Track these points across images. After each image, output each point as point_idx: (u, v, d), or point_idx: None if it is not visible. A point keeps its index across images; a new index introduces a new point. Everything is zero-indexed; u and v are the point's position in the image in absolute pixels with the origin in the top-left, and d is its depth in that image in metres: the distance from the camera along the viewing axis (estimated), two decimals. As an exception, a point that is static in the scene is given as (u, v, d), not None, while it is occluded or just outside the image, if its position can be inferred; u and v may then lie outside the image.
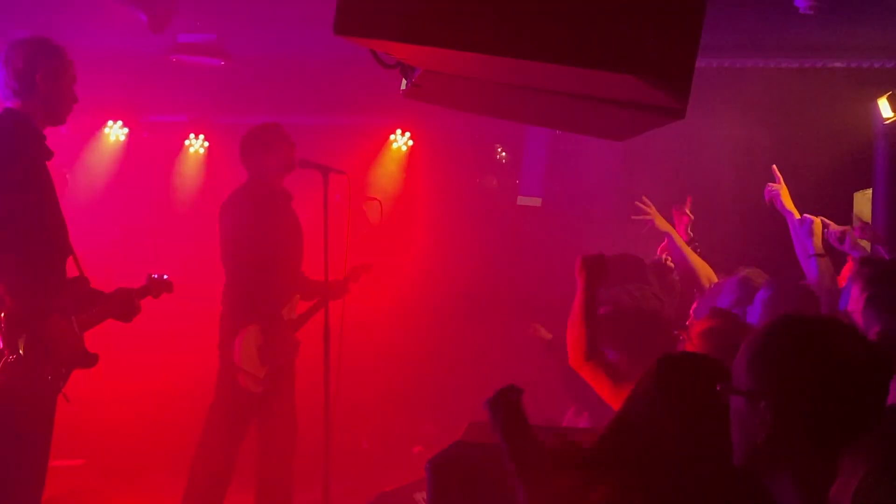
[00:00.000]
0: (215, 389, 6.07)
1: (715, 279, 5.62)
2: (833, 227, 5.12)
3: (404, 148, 8.73)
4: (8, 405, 4.27)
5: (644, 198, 6.04)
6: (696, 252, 5.89)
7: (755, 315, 4.57)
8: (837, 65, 6.97)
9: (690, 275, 5.72)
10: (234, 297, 6.01)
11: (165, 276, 5.26)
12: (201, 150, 8.83)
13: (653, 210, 6.01)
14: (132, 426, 7.42)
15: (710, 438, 2.42)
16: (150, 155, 8.76)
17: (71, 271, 4.66)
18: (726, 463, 2.16)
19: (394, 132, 8.71)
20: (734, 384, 2.09)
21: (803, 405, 1.97)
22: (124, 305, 4.95)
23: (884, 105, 7.13)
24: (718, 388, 2.12)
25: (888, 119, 7.18)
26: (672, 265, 5.68)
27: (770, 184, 5.32)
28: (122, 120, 8.75)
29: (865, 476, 1.74)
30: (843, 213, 7.77)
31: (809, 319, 2.11)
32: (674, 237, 5.84)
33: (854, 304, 3.56)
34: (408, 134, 8.70)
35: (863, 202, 7.75)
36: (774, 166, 5.33)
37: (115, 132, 8.73)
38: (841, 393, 1.96)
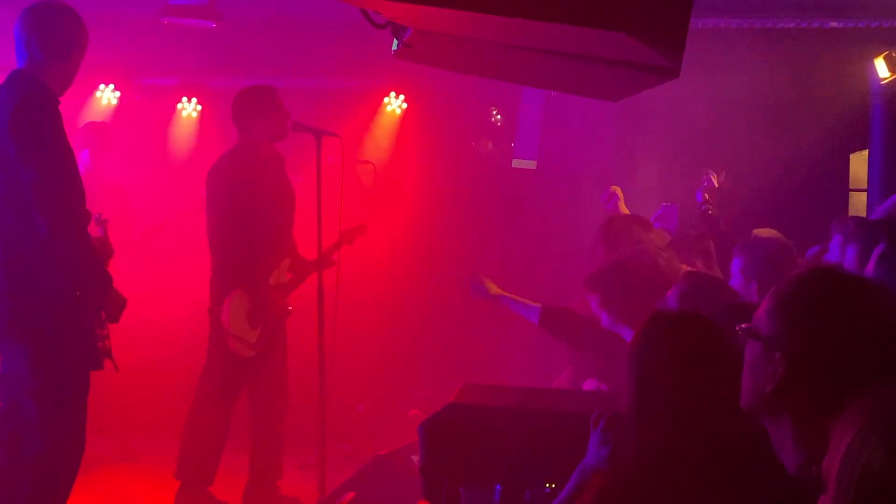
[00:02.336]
0: (207, 354, 6.07)
1: None
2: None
3: (398, 111, 8.68)
4: None
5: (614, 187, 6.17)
6: (709, 214, 5.96)
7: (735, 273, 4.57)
8: (834, 24, 6.93)
9: None
10: (222, 261, 5.99)
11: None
12: (194, 114, 8.78)
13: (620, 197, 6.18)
14: (123, 390, 7.41)
15: (713, 381, 2.43)
16: (143, 118, 8.71)
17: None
18: (733, 405, 2.15)
19: (388, 95, 8.66)
20: (753, 328, 2.06)
21: (821, 362, 1.93)
22: None
23: (880, 65, 7.10)
24: (738, 330, 2.09)
25: (885, 79, 7.14)
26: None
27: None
28: (115, 83, 8.69)
29: (852, 440, 1.73)
30: (839, 174, 7.77)
31: (842, 275, 2.08)
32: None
33: (853, 262, 3.54)
34: (402, 97, 8.65)
35: (859, 164, 7.73)
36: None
37: (107, 95, 8.67)
38: (862, 353, 1.91)
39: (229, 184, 5.95)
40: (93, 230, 4.57)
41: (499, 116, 8.82)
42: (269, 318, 5.99)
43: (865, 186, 7.64)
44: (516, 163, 8.39)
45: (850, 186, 7.79)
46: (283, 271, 6.13)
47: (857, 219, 4.58)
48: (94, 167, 7.32)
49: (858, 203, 7.65)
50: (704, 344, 2.52)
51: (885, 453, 1.52)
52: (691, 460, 2.39)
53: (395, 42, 3.08)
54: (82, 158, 7.24)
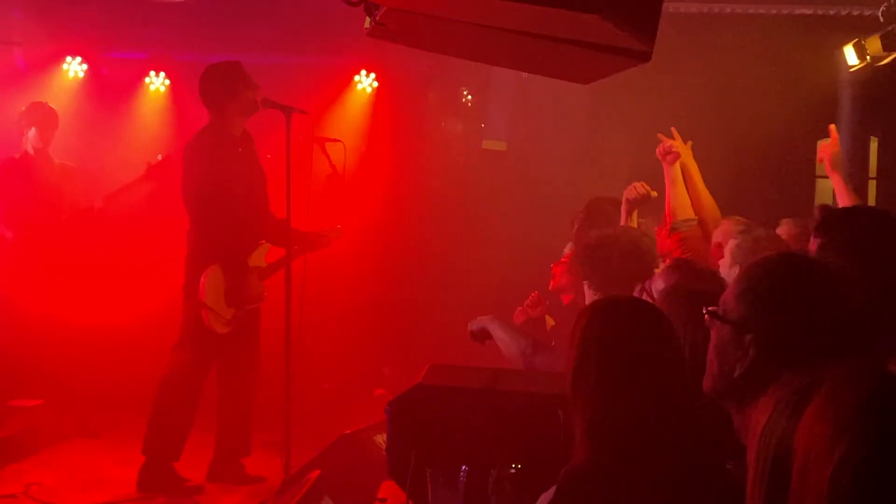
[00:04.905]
0: (179, 330, 6.04)
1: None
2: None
3: (368, 89, 8.64)
4: None
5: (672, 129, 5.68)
6: None
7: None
8: (804, 11, 6.96)
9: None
10: (197, 239, 5.96)
11: None
12: (162, 88, 8.69)
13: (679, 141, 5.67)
14: (91, 367, 7.38)
15: (645, 367, 2.42)
16: (110, 91, 8.62)
17: None
18: (691, 390, 2.16)
19: (358, 73, 8.61)
20: (720, 312, 2.07)
21: (791, 345, 1.95)
22: None
23: (849, 52, 7.13)
24: (706, 314, 2.10)
25: (853, 66, 7.18)
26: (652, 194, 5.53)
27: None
28: (82, 56, 8.59)
29: (766, 421, 1.75)
30: (807, 161, 7.82)
31: (810, 260, 2.10)
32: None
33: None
34: (373, 75, 8.61)
35: (826, 151, 7.77)
36: (832, 126, 5.19)
37: (73, 68, 8.57)
38: (833, 339, 1.94)
39: (204, 162, 5.91)
40: None
41: (469, 97, 8.81)
42: (246, 299, 5.97)
43: (832, 173, 7.68)
44: (486, 143, 8.38)
45: (817, 174, 7.84)
46: (261, 254, 6.13)
47: (822, 206, 4.62)
48: (43, 146, 7.26)
49: (825, 190, 7.70)
50: (635, 329, 2.50)
51: (792, 429, 1.56)
52: (627, 454, 2.36)
53: (368, 20, 3.06)
54: (30, 137, 7.19)
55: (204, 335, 5.92)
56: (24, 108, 7.30)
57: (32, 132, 7.21)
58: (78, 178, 7.45)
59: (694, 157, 6.19)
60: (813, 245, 3.18)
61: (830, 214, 3.37)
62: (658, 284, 3.73)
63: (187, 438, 6.05)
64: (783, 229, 5.05)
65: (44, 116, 7.26)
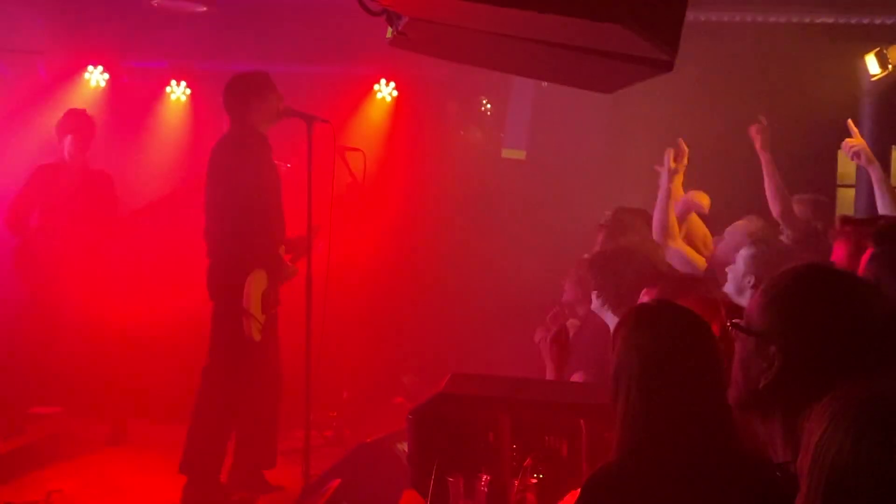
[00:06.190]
0: (210, 341, 5.96)
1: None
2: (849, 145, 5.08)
3: (388, 98, 8.66)
4: None
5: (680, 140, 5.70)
6: None
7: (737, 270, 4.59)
8: (826, 20, 6.93)
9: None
10: (231, 247, 5.88)
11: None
12: (183, 97, 8.74)
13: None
14: (111, 374, 7.40)
15: (700, 376, 2.42)
16: (131, 101, 8.67)
17: None
18: (721, 401, 2.15)
19: (378, 82, 8.64)
20: (745, 325, 2.05)
21: (817, 356, 1.93)
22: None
23: (871, 61, 7.10)
24: (730, 326, 2.08)
25: (875, 76, 7.15)
26: None
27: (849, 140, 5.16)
28: (103, 65, 8.64)
29: (821, 436, 1.74)
30: (828, 171, 7.79)
31: (835, 271, 2.08)
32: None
33: (842, 261, 3.54)
34: (392, 84, 8.63)
35: (847, 160, 7.74)
36: (850, 121, 5.21)
37: (95, 77, 8.62)
38: (855, 348, 1.92)
39: (233, 167, 5.86)
40: None
41: (489, 105, 8.82)
42: (272, 304, 5.96)
43: (854, 182, 7.66)
44: (506, 152, 8.39)
45: (838, 182, 7.81)
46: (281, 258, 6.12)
47: (844, 217, 4.60)
48: (79, 153, 7.31)
49: (846, 199, 7.67)
50: (679, 337, 2.50)
51: (851, 445, 1.54)
52: (665, 457, 2.37)
53: (390, 30, 3.06)
54: (66, 144, 7.25)
55: (240, 345, 5.84)
56: (61, 116, 7.38)
57: (69, 139, 7.28)
58: (113, 186, 7.52)
59: (714, 165, 6.19)
60: (866, 255, 3.16)
61: (891, 227, 3.33)
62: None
63: (226, 453, 5.99)
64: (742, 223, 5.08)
65: (80, 124, 7.34)
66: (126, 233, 7.33)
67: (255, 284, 5.83)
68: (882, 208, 4.87)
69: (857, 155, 4.97)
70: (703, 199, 5.61)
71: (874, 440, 1.48)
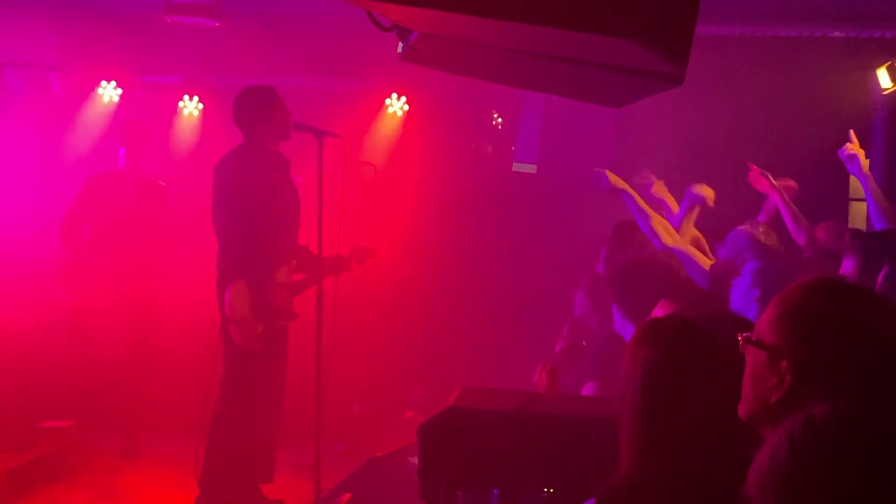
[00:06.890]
0: (221, 356, 5.99)
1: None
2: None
3: (399, 112, 8.69)
4: None
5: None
6: None
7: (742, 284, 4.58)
8: (837, 34, 6.93)
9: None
10: (223, 256, 5.96)
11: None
12: (195, 112, 8.78)
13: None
14: (123, 388, 7.42)
15: (713, 390, 2.40)
16: (144, 116, 8.71)
17: None
18: (729, 415, 2.14)
19: (389, 96, 8.66)
20: (755, 339, 2.04)
21: (828, 372, 1.91)
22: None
23: (882, 75, 7.10)
24: (740, 340, 2.07)
25: (887, 89, 7.14)
26: None
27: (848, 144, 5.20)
28: (116, 80, 8.69)
29: (772, 448, 1.73)
30: (840, 185, 7.77)
31: (848, 285, 2.06)
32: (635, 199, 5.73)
33: (851, 275, 3.53)
34: (403, 98, 8.65)
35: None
36: (852, 131, 5.24)
37: (108, 92, 8.67)
38: (871, 366, 1.90)
39: (234, 178, 5.92)
40: None
41: (500, 119, 8.83)
42: (275, 315, 5.95)
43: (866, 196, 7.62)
44: (516, 166, 8.39)
45: (851, 196, 7.78)
46: (289, 271, 6.11)
47: (855, 231, 4.60)
48: (133, 164, 7.42)
49: (859, 213, 7.65)
50: (684, 352, 2.49)
51: (787, 463, 1.56)
52: (673, 472, 2.36)
53: (401, 45, 3.08)
54: (120, 156, 7.40)
55: (237, 354, 5.87)
56: (118, 127, 7.53)
57: (123, 150, 7.45)
58: (166, 197, 7.64)
59: (724, 178, 6.20)
60: (882, 272, 3.15)
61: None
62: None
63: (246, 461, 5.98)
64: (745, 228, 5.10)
65: (133, 135, 7.48)
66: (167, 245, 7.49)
67: (236, 293, 5.84)
68: (875, 217, 4.90)
69: (851, 159, 4.99)
70: (708, 192, 5.60)
71: (818, 461, 1.48)
